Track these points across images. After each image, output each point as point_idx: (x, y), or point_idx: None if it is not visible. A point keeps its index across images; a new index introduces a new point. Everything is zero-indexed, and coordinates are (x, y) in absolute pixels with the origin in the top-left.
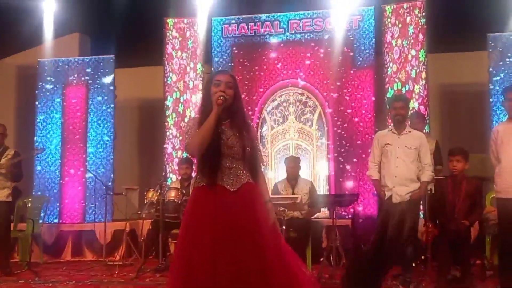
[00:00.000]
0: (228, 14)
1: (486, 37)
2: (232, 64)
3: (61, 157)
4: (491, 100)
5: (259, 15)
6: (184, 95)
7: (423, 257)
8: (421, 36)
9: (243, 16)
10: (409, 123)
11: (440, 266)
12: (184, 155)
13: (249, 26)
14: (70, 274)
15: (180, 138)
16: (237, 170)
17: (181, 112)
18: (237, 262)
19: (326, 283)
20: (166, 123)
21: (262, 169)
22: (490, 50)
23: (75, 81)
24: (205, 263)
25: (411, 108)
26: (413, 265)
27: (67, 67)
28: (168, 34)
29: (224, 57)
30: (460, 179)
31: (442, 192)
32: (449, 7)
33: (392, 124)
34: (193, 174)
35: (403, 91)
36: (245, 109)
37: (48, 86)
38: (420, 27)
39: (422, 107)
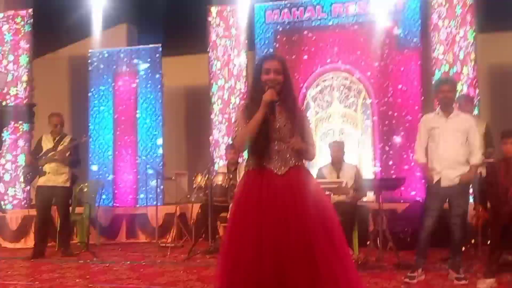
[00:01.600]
0: (270, 0)
1: None
2: (275, 50)
3: (113, 144)
4: None
5: (302, 0)
6: (229, 82)
7: (473, 241)
8: (469, 16)
9: (286, 1)
10: (457, 105)
11: (491, 250)
12: (230, 140)
13: (292, 12)
14: (125, 255)
15: (226, 124)
16: (285, 153)
17: (226, 99)
18: (283, 247)
19: (373, 266)
20: (211, 110)
21: (313, 150)
22: None
23: (124, 71)
24: (251, 247)
25: (459, 91)
26: (463, 248)
27: (116, 57)
28: (211, 22)
29: (267, 43)
30: None
31: (494, 175)
32: None
33: (439, 107)
34: (240, 159)
35: (451, 73)
36: (295, 92)
37: (100, 76)
38: (468, 6)
39: (471, 89)
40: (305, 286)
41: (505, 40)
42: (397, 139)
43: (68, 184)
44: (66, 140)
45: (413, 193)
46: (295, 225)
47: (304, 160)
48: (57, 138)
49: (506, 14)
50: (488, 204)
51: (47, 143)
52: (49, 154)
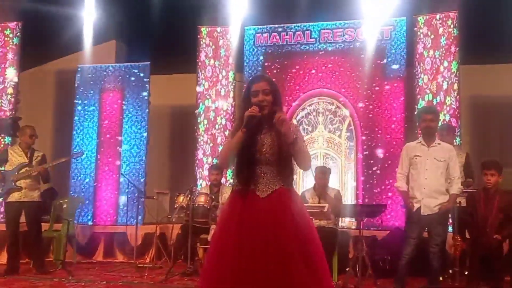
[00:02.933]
0: (260, 24)
1: None
2: (263, 72)
3: (96, 161)
4: None
5: (291, 24)
6: (216, 102)
7: (450, 271)
8: (453, 48)
9: (275, 25)
10: (439, 134)
11: (469, 280)
12: (215, 161)
13: (281, 36)
14: (102, 274)
15: (211, 144)
16: (270, 176)
17: (212, 119)
18: (259, 270)
19: None
20: (197, 130)
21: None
22: None
23: (111, 87)
24: (229, 269)
25: (441, 120)
26: (440, 278)
27: (104, 73)
28: (201, 42)
29: (256, 65)
30: (493, 193)
31: (474, 206)
32: (482, 18)
33: (421, 136)
34: (223, 180)
35: (434, 103)
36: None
37: (86, 92)
38: (452, 38)
39: (453, 119)
40: None
41: (487, 72)
42: (380, 167)
43: (40, 199)
44: (38, 155)
45: (396, 223)
46: (273, 248)
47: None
48: (28, 152)
49: (489, 47)
50: (467, 234)
51: (17, 157)
52: (23, 169)
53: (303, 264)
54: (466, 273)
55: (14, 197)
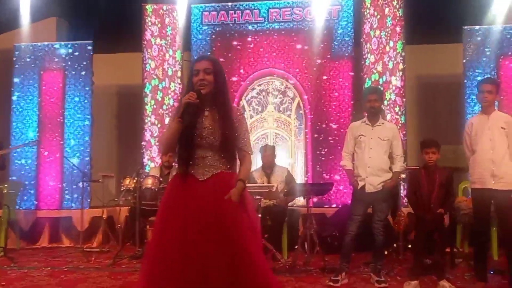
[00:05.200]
0: (207, 2)
1: (462, 30)
2: (211, 52)
3: (37, 144)
4: (465, 92)
5: (239, 3)
6: (163, 82)
7: (395, 245)
8: (398, 28)
9: (223, 3)
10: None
11: (416, 254)
12: None
13: (229, 14)
14: (47, 260)
15: (159, 125)
16: (211, 160)
17: (160, 100)
18: (203, 253)
19: (300, 270)
20: (144, 110)
21: (250, 152)
22: (466, 42)
23: (52, 66)
24: (172, 251)
25: (387, 100)
26: (385, 252)
27: (44, 52)
28: (147, 20)
29: (203, 45)
30: (433, 170)
31: (417, 183)
32: None
33: (366, 116)
34: (174, 163)
35: (381, 82)
36: (229, 95)
37: (25, 71)
38: (398, 18)
39: (398, 98)
40: None
41: (432, 52)
42: (329, 146)
43: None
44: None
45: (345, 201)
46: (214, 230)
47: (233, 165)
48: None
49: (433, 27)
50: (404, 210)
51: None
52: None
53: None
54: (410, 246)
55: None
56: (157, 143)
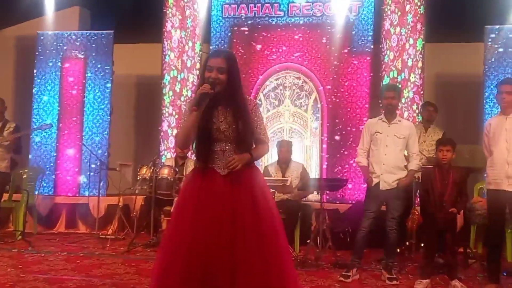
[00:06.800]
0: None
1: (483, 29)
2: (230, 44)
3: (57, 130)
4: (485, 92)
5: None
6: (182, 73)
7: (407, 243)
8: (419, 25)
9: None
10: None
11: (427, 253)
12: None
13: (249, 8)
14: (63, 245)
15: (176, 116)
16: (230, 154)
17: (178, 91)
18: (213, 247)
19: (312, 264)
20: (162, 101)
21: (267, 141)
22: (487, 42)
23: (73, 55)
24: (184, 244)
25: (405, 97)
26: (397, 250)
27: (66, 40)
28: (168, 11)
29: (223, 37)
30: (447, 169)
31: (430, 182)
32: None
33: (383, 113)
34: (189, 154)
35: (399, 79)
36: (242, 90)
37: (46, 59)
38: (419, 16)
39: (416, 96)
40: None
41: (452, 50)
42: (345, 141)
43: (8, 170)
44: (11, 126)
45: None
46: (227, 226)
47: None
48: (0, 123)
49: (455, 26)
50: (418, 209)
51: None
52: None
53: (255, 242)
54: (422, 245)
55: None
56: (173, 134)
